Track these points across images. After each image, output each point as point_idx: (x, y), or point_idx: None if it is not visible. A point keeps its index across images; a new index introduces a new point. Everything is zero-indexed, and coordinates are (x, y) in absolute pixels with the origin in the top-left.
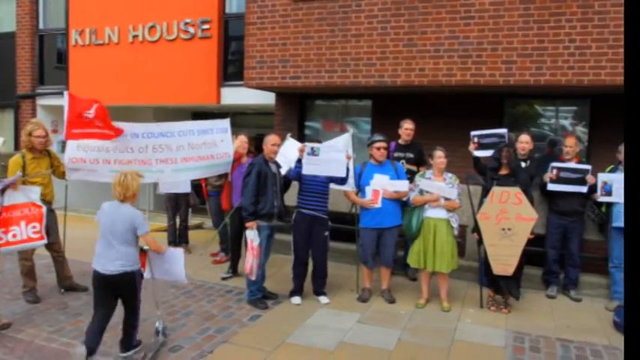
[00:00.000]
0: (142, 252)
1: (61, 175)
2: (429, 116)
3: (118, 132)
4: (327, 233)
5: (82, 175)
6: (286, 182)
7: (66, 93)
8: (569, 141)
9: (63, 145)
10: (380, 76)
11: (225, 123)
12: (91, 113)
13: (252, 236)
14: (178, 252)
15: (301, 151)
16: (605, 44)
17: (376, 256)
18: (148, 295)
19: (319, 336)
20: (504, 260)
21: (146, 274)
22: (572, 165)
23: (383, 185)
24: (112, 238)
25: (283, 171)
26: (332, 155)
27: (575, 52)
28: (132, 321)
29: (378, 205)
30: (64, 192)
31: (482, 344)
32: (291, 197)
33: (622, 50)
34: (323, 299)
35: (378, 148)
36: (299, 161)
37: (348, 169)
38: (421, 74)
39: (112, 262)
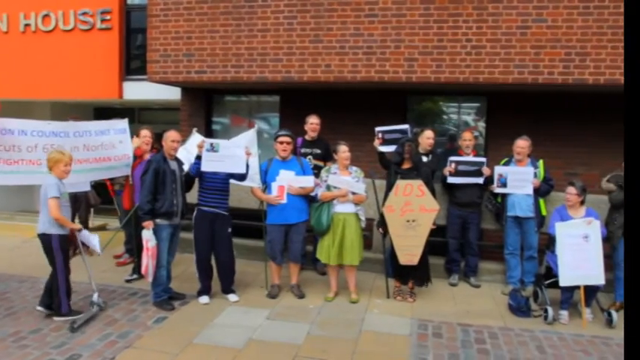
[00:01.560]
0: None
1: None
2: (337, 112)
3: None
4: (230, 230)
5: None
6: (189, 180)
7: None
8: (466, 135)
9: None
10: (287, 72)
11: (123, 123)
12: None
13: (147, 236)
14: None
15: (200, 147)
16: (498, 44)
17: (284, 252)
18: None
19: (227, 335)
20: (409, 250)
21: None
22: (469, 158)
23: (288, 181)
24: (41, 204)
25: (187, 167)
26: (231, 151)
27: (471, 51)
28: (56, 284)
29: (284, 200)
30: None
31: (388, 333)
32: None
33: (514, 50)
34: (232, 297)
35: (281, 143)
36: (198, 157)
37: (248, 166)
38: (327, 70)
39: (39, 224)
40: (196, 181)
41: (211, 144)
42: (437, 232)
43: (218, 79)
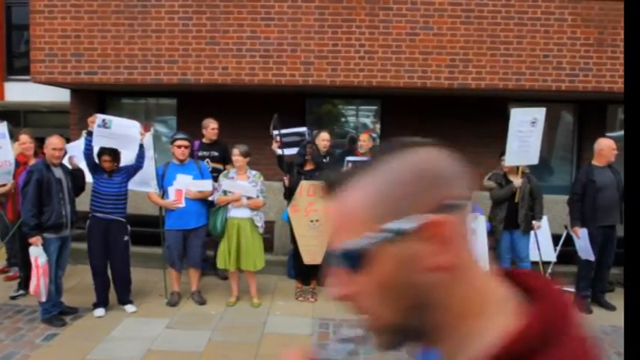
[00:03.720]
0: None
1: None
2: (236, 115)
3: None
4: (127, 238)
5: None
6: (77, 183)
7: None
8: (363, 137)
9: None
10: (183, 74)
11: (2, 127)
12: None
13: (36, 253)
14: None
15: (91, 122)
16: (389, 50)
17: (184, 258)
18: None
19: (124, 347)
20: (313, 250)
21: None
22: (365, 159)
23: (186, 185)
24: None
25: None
26: (124, 130)
27: (364, 55)
28: None
29: (182, 205)
30: None
31: (290, 334)
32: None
33: (404, 56)
34: (129, 308)
35: (179, 147)
36: (90, 134)
37: (142, 147)
38: (224, 73)
39: None
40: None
41: (103, 120)
42: None
43: (110, 81)
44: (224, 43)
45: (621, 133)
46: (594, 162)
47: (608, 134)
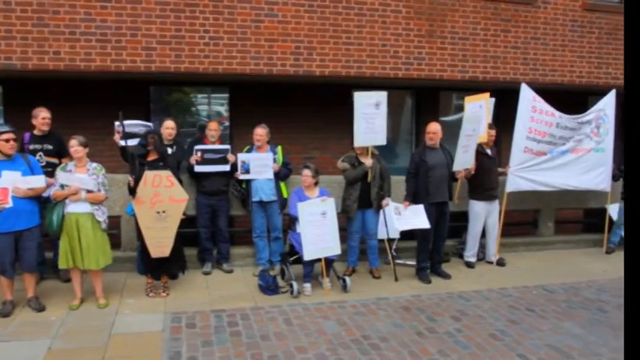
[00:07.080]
0: None
1: None
2: (74, 104)
3: None
4: None
5: None
6: None
7: None
8: (212, 125)
9: None
10: (7, 59)
11: None
12: None
13: None
14: None
15: None
16: (235, 36)
17: (17, 263)
18: None
19: None
20: (161, 242)
21: None
22: (214, 146)
23: (14, 182)
24: None
25: None
26: None
27: (210, 42)
28: None
29: (9, 204)
30: None
31: (140, 333)
32: None
33: (249, 42)
34: None
35: (7, 140)
36: None
37: None
38: (56, 58)
39: None
40: None
41: None
42: (188, 222)
43: None
44: (54, 25)
45: (454, 117)
46: (427, 143)
47: (441, 118)
